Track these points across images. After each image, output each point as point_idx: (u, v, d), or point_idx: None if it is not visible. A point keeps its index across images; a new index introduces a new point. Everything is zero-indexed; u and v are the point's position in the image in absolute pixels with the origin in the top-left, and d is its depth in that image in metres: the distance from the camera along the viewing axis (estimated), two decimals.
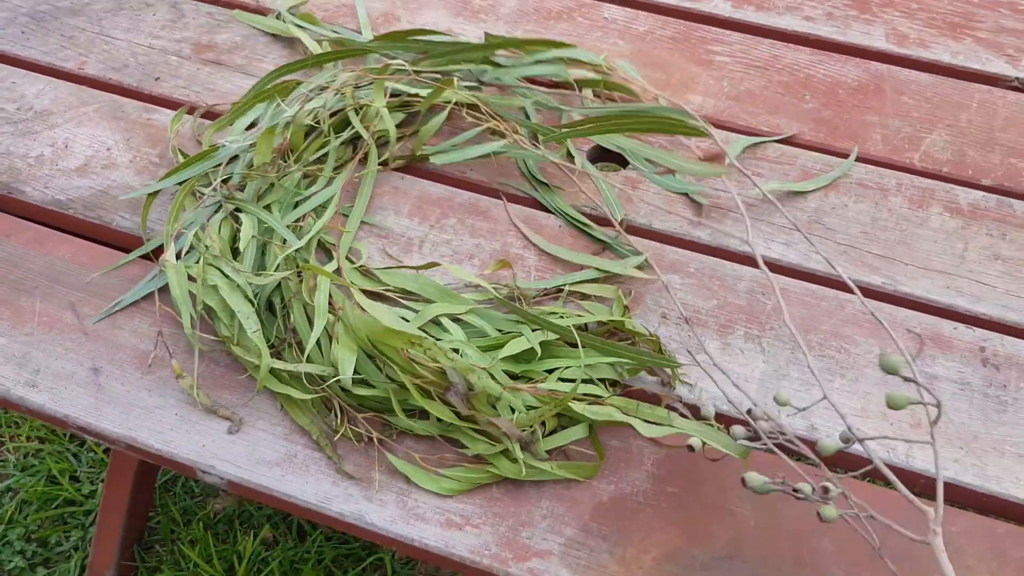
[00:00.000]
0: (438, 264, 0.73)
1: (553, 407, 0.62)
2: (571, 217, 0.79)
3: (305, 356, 0.67)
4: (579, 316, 0.69)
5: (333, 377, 0.65)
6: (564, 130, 0.77)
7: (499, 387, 0.63)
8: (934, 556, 0.53)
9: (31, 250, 0.77)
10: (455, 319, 0.69)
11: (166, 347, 0.71)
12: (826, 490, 0.55)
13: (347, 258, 0.74)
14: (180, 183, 0.78)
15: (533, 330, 0.67)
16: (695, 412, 0.65)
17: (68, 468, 1.31)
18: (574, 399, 0.63)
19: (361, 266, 0.74)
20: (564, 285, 0.72)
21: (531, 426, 0.63)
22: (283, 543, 1.21)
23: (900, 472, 0.64)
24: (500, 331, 0.68)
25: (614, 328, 0.69)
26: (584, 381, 0.66)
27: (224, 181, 0.78)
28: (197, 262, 0.72)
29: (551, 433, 0.65)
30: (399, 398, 0.65)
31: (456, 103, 0.84)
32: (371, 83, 0.84)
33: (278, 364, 0.67)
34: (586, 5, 1.00)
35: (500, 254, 0.77)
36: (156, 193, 0.79)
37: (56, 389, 0.69)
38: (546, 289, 0.72)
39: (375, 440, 0.65)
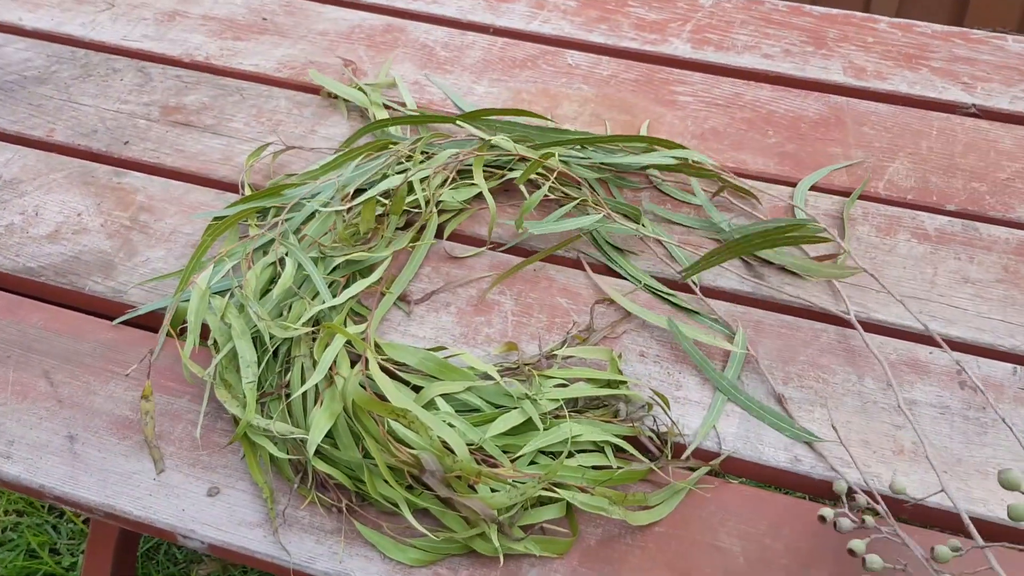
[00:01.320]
0: (444, 348, 0.72)
1: (533, 490, 0.61)
2: (650, 286, 0.78)
3: (278, 411, 0.67)
4: (572, 386, 0.68)
5: (304, 439, 0.65)
6: (701, 263, 0.75)
7: (476, 468, 0.62)
8: None
9: (3, 319, 0.76)
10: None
11: (149, 364, 0.71)
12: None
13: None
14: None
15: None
16: (674, 451, 0.65)
17: (47, 541, 1.29)
18: (556, 484, 0.63)
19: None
20: (557, 351, 0.71)
21: (509, 508, 0.62)
22: None
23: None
24: (495, 405, 0.68)
25: (609, 391, 0.68)
26: (576, 452, 0.65)
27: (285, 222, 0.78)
28: (226, 294, 0.73)
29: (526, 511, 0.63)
30: (371, 473, 0.64)
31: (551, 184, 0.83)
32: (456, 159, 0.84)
33: (258, 420, 0.66)
34: (549, 52, 1.02)
35: (476, 300, 0.77)
36: (217, 227, 0.78)
37: (31, 459, 0.68)
38: (548, 354, 0.72)
39: (343, 508, 0.64)
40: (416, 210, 0.82)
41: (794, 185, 0.86)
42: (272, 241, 0.78)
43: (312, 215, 0.80)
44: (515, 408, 0.66)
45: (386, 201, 0.80)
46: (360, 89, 0.94)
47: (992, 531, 0.63)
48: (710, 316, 0.75)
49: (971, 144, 0.90)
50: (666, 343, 0.74)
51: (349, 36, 1.04)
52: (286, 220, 0.79)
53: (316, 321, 0.73)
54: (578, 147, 0.86)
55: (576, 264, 0.80)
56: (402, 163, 0.84)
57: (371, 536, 0.63)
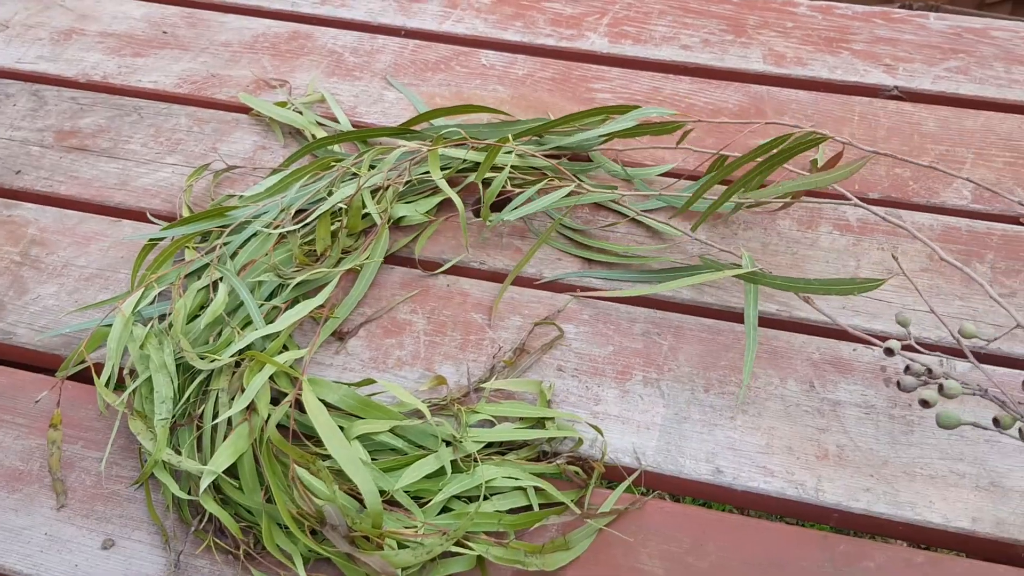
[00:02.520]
0: (373, 381, 0.68)
1: (439, 548, 0.58)
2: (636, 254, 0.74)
3: (186, 445, 0.63)
4: (498, 427, 0.65)
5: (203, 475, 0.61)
6: (697, 201, 0.72)
7: (378, 530, 0.58)
8: None
9: None
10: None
11: (59, 392, 0.68)
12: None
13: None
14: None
15: (447, 443, 0.63)
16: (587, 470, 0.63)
17: None
18: (469, 535, 0.59)
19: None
20: (486, 385, 0.68)
21: (413, 566, 0.59)
22: None
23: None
24: (419, 446, 0.64)
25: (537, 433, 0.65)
26: (493, 496, 0.62)
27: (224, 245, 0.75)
28: (148, 324, 0.69)
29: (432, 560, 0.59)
30: (270, 521, 0.60)
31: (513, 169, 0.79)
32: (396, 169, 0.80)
33: (168, 456, 0.62)
34: (463, 53, 0.98)
35: (387, 321, 0.73)
36: (164, 255, 0.75)
37: None
38: (475, 386, 0.69)
39: (240, 555, 0.60)
40: (374, 227, 0.78)
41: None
42: (207, 266, 0.74)
43: (252, 238, 0.76)
44: (433, 452, 0.63)
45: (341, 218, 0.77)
46: (292, 107, 0.90)
47: (922, 535, 0.62)
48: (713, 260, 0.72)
49: (894, 128, 0.88)
50: (584, 355, 0.71)
51: (252, 46, 1.00)
52: (224, 244, 0.75)
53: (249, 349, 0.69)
54: (535, 137, 0.82)
55: (492, 276, 0.77)
56: (346, 181, 0.80)
57: None
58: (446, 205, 0.81)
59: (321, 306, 0.71)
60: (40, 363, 0.73)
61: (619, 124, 0.79)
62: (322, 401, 0.65)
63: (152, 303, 0.72)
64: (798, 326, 0.72)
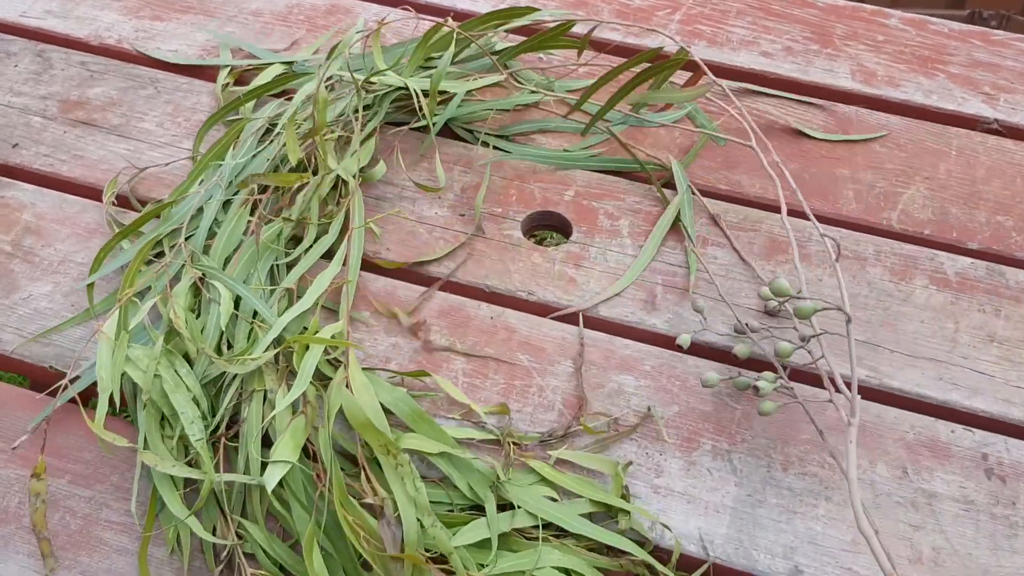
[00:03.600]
0: (428, 374, 0.61)
1: None
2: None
3: (211, 464, 0.55)
4: (556, 502, 0.57)
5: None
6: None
7: (449, 545, 0.52)
8: None
9: None
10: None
11: (44, 434, 0.59)
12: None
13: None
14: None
15: (501, 506, 0.56)
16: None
17: None
18: None
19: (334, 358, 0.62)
20: (553, 449, 0.60)
21: None
22: None
23: None
24: (471, 488, 0.57)
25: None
26: None
27: (186, 239, 0.67)
28: (145, 342, 0.62)
29: None
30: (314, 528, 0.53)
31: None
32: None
33: (228, 476, 0.55)
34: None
35: (423, 355, 0.65)
36: (131, 272, 0.67)
37: None
38: (542, 438, 0.60)
39: None
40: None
41: (794, 215, 0.75)
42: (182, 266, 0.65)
43: (217, 224, 0.68)
44: (478, 505, 0.55)
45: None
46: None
47: None
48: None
49: (994, 168, 0.79)
50: (645, 414, 0.62)
51: (286, 17, 0.89)
52: (187, 239, 0.67)
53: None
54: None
55: (540, 310, 0.68)
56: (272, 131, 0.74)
57: None
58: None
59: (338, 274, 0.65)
60: (27, 375, 0.65)
61: (514, 23, 0.79)
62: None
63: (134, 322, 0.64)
64: (889, 397, 0.64)
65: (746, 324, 0.64)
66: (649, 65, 0.74)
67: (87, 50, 0.86)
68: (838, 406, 0.56)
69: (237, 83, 0.83)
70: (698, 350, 0.66)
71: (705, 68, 0.73)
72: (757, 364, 0.65)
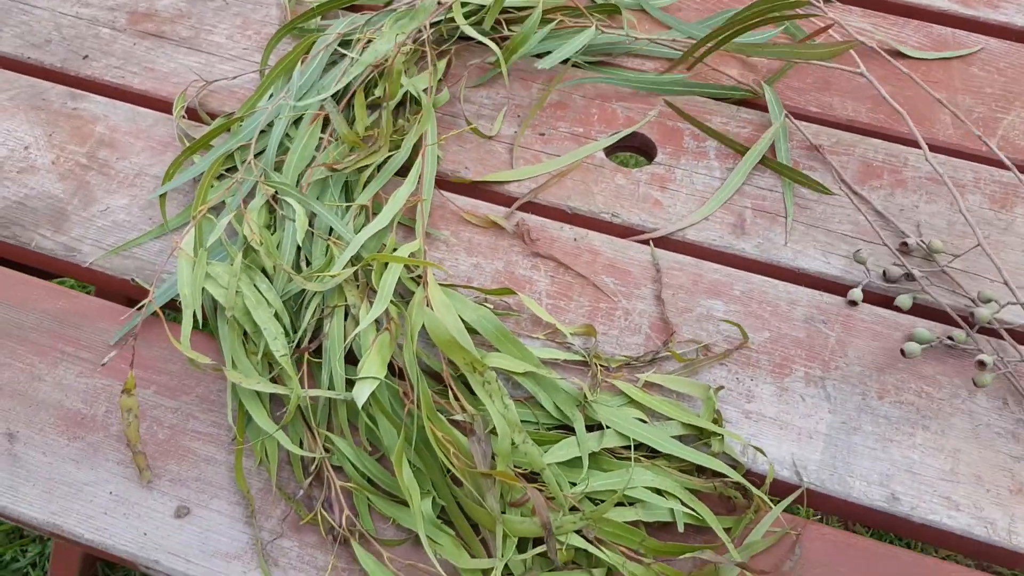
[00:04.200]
0: (514, 293, 0.60)
1: (572, 525, 0.50)
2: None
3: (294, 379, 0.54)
4: (646, 423, 0.55)
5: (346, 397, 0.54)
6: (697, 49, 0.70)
7: (541, 461, 0.51)
8: None
9: None
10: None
11: (133, 350, 0.59)
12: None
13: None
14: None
15: (590, 426, 0.55)
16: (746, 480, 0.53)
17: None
18: (598, 541, 0.51)
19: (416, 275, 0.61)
20: (645, 364, 0.59)
21: (566, 508, 0.50)
22: None
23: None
24: (558, 408, 0.55)
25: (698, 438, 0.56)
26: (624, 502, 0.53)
27: (256, 156, 0.66)
28: (222, 258, 0.61)
29: (553, 569, 0.51)
30: (404, 442, 0.53)
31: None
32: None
33: (315, 392, 0.54)
34: None
35: (505, 276, 0.63)
36: (202, 188, 0.66)
37: None
38: (629, 362, 0.59)
39: (343, 526, 0.52)
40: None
41: (890, 139, 0.71)
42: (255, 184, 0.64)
43: (288, 139, 0.67)
44: (571, 423, 0.54)
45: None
46: None
47: None
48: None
49: None
50: (736, 339, 0.60)
51: None
52: (257, 155, 0.66)
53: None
54: None
55: (624, 232, 0.66)
56: (344, 53, 0.71)
57: (368, 564, 0.51)
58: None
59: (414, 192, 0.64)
60: (107, 287, 0.64)
61: None
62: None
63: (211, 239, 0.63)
64: (986, 330, 0.61)
65: (905, 273, 0.62)
66: (771, 11, 0.68)
67: None
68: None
69: None
70: (790, 274, 0.64)
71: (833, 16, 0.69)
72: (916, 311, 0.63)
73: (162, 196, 0.65)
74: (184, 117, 0.71)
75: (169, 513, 0.54)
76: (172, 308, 0.61)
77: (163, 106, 0.73)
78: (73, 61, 0.75)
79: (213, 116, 0.72)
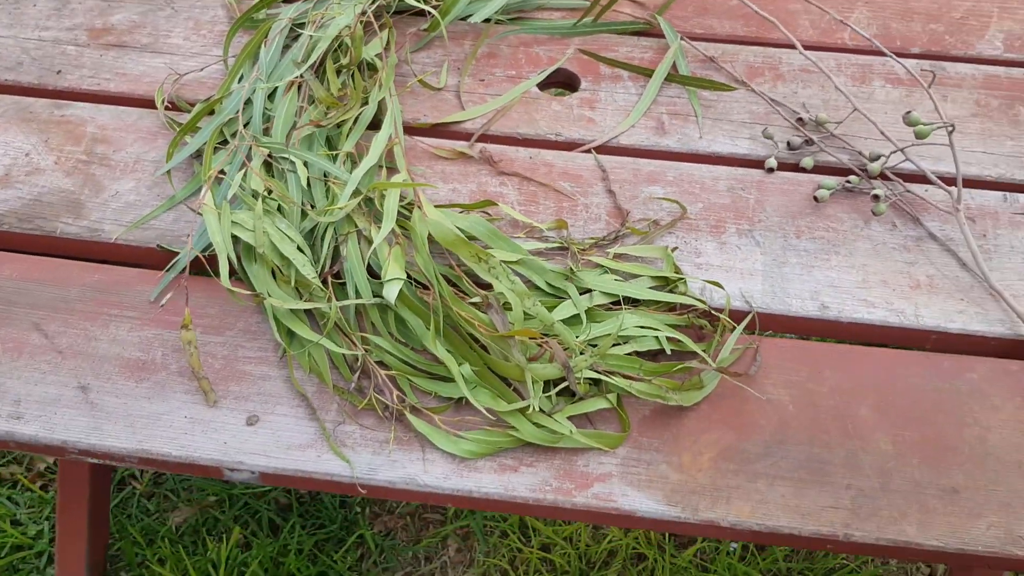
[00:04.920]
0: (495, 204, 0.71)
1: (586, 363, 0.61)
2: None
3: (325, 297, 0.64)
4: (624, 282, 0.68)
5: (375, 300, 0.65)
6: None
7: (551, 317, 0.62)
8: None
9: None
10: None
11: (186, 293, 0.67)
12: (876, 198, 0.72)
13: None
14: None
15: (580, 291, 0.66)
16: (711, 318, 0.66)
17: (7, 513, 1.22)
18: (606, 372, 0.63)
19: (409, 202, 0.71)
20: (611, 242, 0.71)
21: (577, 351, 0.62)
22: (260, 541, 1.17)
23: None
24: (550, 284, 0.67)
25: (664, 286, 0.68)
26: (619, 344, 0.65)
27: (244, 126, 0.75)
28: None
29: (576, 401, 0.63)
30: (435, 329, 0.64)
31: None
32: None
33: (348, 302, 0.64)
34: None
35: (479, 194, 0.75)
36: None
37: (45, 416, 0.63)
38: (596, 240, 0.71)
39: (395, 403, 0.62)
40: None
41: (764, 45, 0.86)
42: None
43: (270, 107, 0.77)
44: (564, 293, 0.66)
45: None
46: None
47: (1014, 347, 0.67)
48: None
49: None
50: (676, 211, 0.73)
51: None
52: (245, 125, 0.75)
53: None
54: None
55: (569, 146, 0.78)
56: (299, 33, 0.82)
57: (424, 429, 0.62)
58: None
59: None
60: (133, 259, 0.72)
61: None
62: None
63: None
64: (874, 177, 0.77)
65: (804, 140, 0.77)
66: None
67: None
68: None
69: None
70: (708, 158, 0.78)
71: None
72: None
73: (167, 172, 0.74)
74: (167, 108, 0.80)
75: (241, 423, 0.63)
76: (192, 269, 0.70)
77: (142, 103, 0.81)
78: (48, 77, 0.83)
79: (191, 104, 0.80)
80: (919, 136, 0.71)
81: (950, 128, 0.71)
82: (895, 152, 0.75)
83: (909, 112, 0.72)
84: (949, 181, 0.73)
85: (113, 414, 0.63)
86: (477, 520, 1.20)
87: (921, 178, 0.74)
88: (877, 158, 0.75)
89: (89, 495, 1.04)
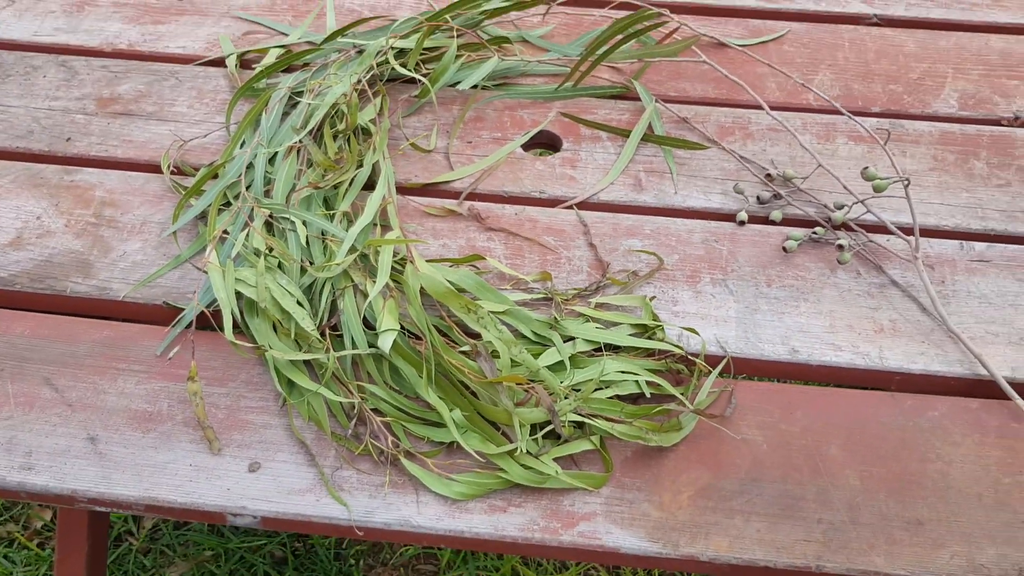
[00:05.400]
0: (482, 258, 0.75)
1: (568, 406, 0.65)
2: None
3: (322, 349, 0.68)
4: (605, 329, 0.72)
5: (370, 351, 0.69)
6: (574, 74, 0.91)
7: (536, 364, 0.66)
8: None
9: None
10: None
11: (192, 347, 0.71)
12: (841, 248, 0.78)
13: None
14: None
15: (564, 339, 0.70)
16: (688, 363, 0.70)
17: (4, 572, 1.24)
18: (589, 415, 0.66)
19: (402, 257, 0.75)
20: (591, 296, 0.75)
21: (562, 396, 0.66)
22: None
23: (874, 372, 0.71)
24: (535, 333, 0.71)
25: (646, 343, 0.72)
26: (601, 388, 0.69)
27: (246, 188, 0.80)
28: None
29: (561, 443, 0.67)
30: (427, 377, 0.67)
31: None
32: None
33: (345, 352, 0.68)
34: None
35: (467, 249, 0.79)
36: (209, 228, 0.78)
37: (55, 467, 0.66)
38: (582, 292, 0.75)
39: (390, 448, 0.66)
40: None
41: (735, 107, 0.92)
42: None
43: (272, 170, 0.82)
44: (549, 341, 0.70)
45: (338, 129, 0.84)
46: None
47: (973, 387, 0.71)
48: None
49: (881, 51, 0.98)
50: (653, 262, 0.78)
51: (271, 8, 1.02)
52: (248, 187, 0.79)
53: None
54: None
55: (552, 203, 0.83)
56: (297, 101, 0.87)
57: (417, 472, 0.65)
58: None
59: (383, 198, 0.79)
60: (140, 316, 0.76)
61: (493, 3, 0.95)
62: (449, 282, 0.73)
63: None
64: (839, 227, 0.81)
65: (773, 195, 0.82)
66: (629, 27, 0.90)
67: (104, 56, 0.97)
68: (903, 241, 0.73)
69: (242, 65, 0.95)
70: (683, 212, 0.83)
71: (679, 21, 0.89)
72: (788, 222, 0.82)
73: (174, 233, 0.78)
74: (172, 173, 0.84)
75: (243, 470, 0.66)
76: (197, 324, 0.74)
77: (148, 168, 0.86)
78: (58, 144, 0.87)
79: (195, 169, 0.85)
80: (876, 190, 0.76)
81: (905, 182, 0.76)
82: (857, 204, 0.80)
83: (866, 168, 0.77)
84: (908, 231, 0.78)
85: (121, 463, 0.66)
86: (470, 570, 1.22)
87: (882, 229, 0.79)
88: (841, 207, 0.80)
89: (87, 548, 1.06)
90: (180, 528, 1.27)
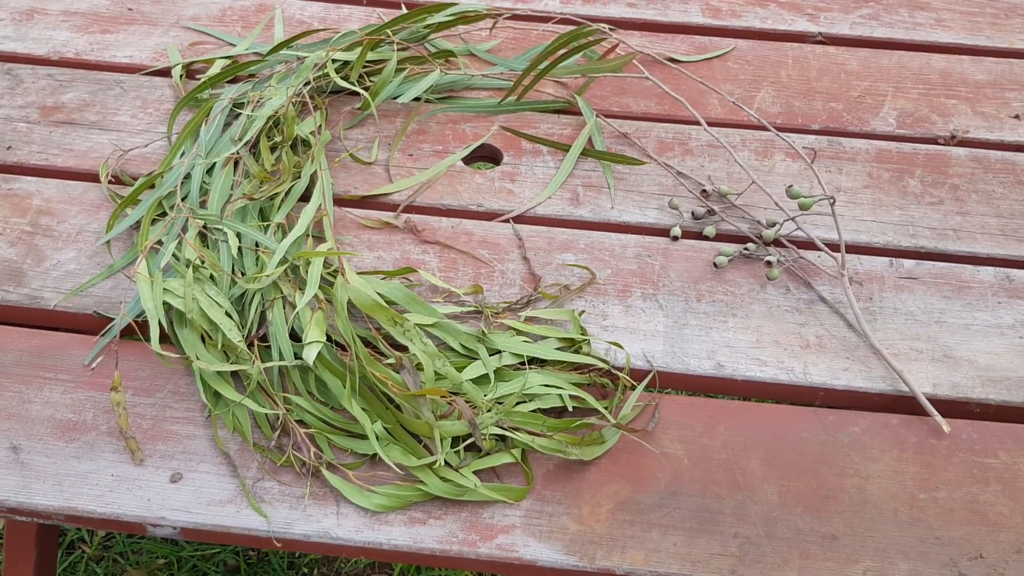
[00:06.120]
0: (415, 271, 0.75)
1: (490, 419, 0.66)
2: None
3: (250, 360, 0.68)
4: (532, 343, 0.72)
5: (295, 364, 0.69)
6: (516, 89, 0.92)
7: (459, 377, 0.66)
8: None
9: None
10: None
11: (116, 357, 0.71)
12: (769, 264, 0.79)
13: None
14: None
15: (491, 352, 0.71)
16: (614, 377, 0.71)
17: None
18: (511, 428, 0.67)
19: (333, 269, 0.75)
20: (522, 310, 0.75)
21: (484, 409, 0.66)
22: None
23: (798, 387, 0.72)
24: (463, 346, 0.71)
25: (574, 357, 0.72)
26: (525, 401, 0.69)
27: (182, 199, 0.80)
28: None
29: (482, 456, 0.67)
30: (351, 389, 0.67)
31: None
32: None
33: (271, 364, 0.68)
34: None
35: (402, 261, 0.80)
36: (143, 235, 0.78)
37: None
38: (512, 305, 0.75)
39: (312, 460, 0.66)
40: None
41: (677, 123, 0.93)
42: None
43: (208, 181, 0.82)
44: (476, 354, 0.71)
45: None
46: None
47: (895, 403, 0.72)
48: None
49: (823, 69, 0.99)
50: (585, 276, 0.79)
51: (221, 19, 1.03)
52: (183, 199, 0.80)
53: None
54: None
55: (489, 217, 0.84)
56: (238, 113, 0.88)
57: (338, 484, 0.65)
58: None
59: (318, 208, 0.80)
60: (71, 325, 0.76)
61: (438, 17, 0.96)
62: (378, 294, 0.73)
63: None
64: (776, 241, 0.82)
65: (707, 210, 0.83)
66: (571, 42, 0.91)
67: (50, 64, 0.97)
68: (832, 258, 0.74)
69: (188, 75, 0.96)
70: (618, 227, 0.83)
71: (619, 39, 0.90)
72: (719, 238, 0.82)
73: (107, 243, 0.78)
74: (110, 182, 0.84)
75: (165, 480, 0.67)
76: (127, 333, 0.74)
77: (87, 177, 0.86)
78: None
79: (134, 178, 0.85)
80: (802, 207, 0.77)
81: (831, 200, 0.77)
82: (788, 221, 0.80)
83: (790, 186, 0.78)
84: (837, 248, 0.79)
85: (42, 473, 0.66)
86: None
87: (812, 245, 0.80)
88: (772, 225, 0.81)
89: (35, 557, 1.05)
90: (133, 536, 1.27)
